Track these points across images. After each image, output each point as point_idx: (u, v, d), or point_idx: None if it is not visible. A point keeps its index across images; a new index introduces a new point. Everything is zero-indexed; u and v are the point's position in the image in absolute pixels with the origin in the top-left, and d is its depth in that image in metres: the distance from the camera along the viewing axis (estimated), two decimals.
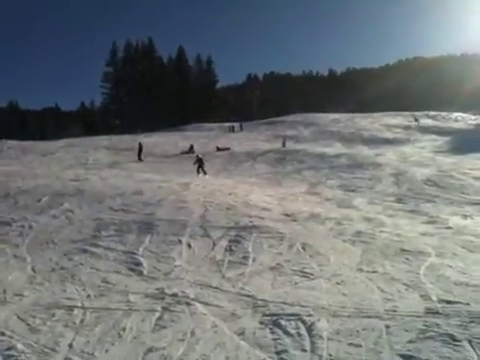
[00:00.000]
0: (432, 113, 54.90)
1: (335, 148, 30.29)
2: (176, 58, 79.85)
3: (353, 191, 16.62)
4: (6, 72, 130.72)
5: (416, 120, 40.04)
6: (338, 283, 6.81)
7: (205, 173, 21.79)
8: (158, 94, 70.92)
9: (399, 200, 14.83)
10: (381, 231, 10.12)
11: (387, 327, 5.22)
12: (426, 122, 46.03)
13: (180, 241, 9.42)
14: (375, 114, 51.22)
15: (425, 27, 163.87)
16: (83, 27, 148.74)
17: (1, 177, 16.90)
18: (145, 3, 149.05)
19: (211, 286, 6.87)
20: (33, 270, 7.95)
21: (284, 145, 29.83)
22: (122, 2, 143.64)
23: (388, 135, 36.79)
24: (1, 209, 12.67)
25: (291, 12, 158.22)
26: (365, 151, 27.99)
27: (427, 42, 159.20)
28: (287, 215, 11.69)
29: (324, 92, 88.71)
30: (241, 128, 47.01)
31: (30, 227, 10.87)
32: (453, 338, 4.83)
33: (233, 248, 8.86)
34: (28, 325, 5.64)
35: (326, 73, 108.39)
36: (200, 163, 22.39)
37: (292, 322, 5.44)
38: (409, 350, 4.68)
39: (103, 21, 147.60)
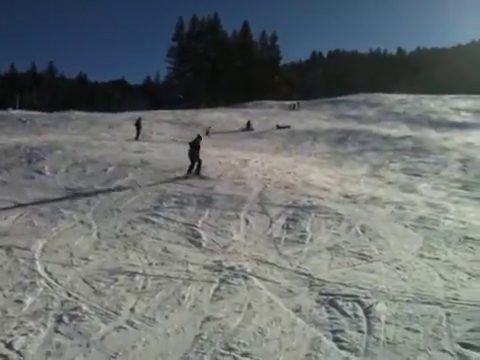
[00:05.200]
0: None
1: (400, 130, 29.11)
2: (240, 34, 79.37)
3: (417, 175, 16.06)
4: (76, 45, 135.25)
5: None
6: (398, 268, 6.70)
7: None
8: (221, 70, 71.15)
9: (465, 187, 14.17)
10: (445, 218, 9.78)
11: (447, 315, 5.10)
12: None
13: (238, 216, 9.57)
14: (445, 96, 48.57)
15: None
16: (151, 2, 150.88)
17: (70, 146, 17.68)
18: None
19: (268, 262, 6.96)
20: (98, 236, 8.38)
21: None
22: None
23: (457, 119, 34.97)
24: (70, 177, 13.35)
25: None
26: (432, 134, 26.75)
27: None
28: (347, 196, 11.53)
29: (392, 72, 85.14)
30: (298, 106, 46.18)
31: (96, 195, 11.40)
32: None
33: (290, 226, 8.89)
34: (93, 288, 5.97)
35: (394, 52, 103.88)
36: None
37: (349, 303, 5.42)
38: (469, 339, 4.57)
39: None
